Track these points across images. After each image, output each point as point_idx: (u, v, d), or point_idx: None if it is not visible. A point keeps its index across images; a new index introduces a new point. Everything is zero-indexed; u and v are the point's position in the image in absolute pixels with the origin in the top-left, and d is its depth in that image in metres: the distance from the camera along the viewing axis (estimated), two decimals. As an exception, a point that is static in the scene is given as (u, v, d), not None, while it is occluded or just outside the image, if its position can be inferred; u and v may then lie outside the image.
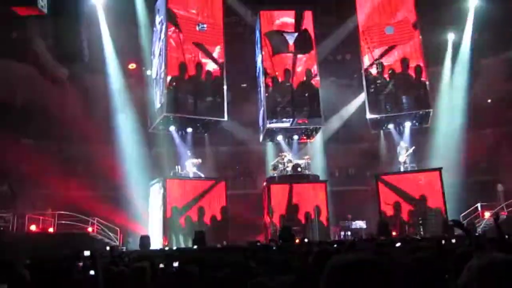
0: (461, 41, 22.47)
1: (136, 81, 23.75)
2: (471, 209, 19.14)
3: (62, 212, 18.24)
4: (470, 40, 22.07)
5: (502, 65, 22.26)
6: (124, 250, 15.59)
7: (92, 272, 4.49)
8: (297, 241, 13.24)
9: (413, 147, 20.32)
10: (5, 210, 17.11)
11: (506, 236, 4.78)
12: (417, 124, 21.06)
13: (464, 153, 23.10)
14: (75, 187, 21.43)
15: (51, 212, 18.39)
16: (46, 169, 22.24)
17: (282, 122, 20.83)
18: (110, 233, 18.74)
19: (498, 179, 21.82)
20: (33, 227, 17.26)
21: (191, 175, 19.77)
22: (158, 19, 20.18)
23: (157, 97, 19.44)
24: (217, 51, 19.63)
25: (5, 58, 20.46)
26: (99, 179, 23.02)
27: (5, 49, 19.60)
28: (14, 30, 19.51)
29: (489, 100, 25.01)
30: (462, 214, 18.80)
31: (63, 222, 18.02)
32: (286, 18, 21.63)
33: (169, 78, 18.56)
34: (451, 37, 22.71)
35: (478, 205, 19.00)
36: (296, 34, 21.39)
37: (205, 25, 19.55)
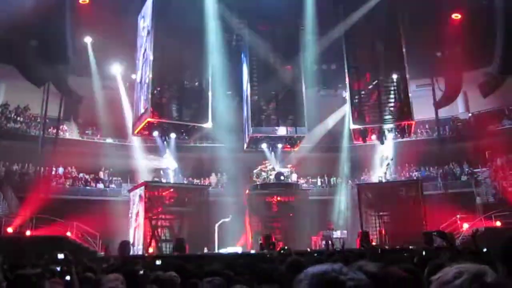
0: (444, 55, 22.89)
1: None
2: (450, 220, 19.38)
3: (41, 215, 17.93)
4: (451, 54, 22.47)
5: (482, 79, 22.70)
6: (102, 255, 15.38)
7: (67, 278, 4.40)
8: (277, 249, 13.23)
9: (392, 159, 20.61)
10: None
11: (484, 249, 4.85)
12: (399, 135, 21.33)
13: (445, 166, 23.53)
14: (55, 191, 21.13)
15: (29, 215, 18.08)
16: (26, 171, 21.99)
17: (266, 130, 20.95)
18: (89, 238, 18.47)
19: (477, 191, 22.21)
20: (9, 230, 16.96)
21: (172, 181, 19.66)
22: (142, 24, 20.09)
23: (142, 101, 19.31)
24: (202, 58, 19.60)
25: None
26: (80, 183, 22.81)
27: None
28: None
29: (469, 114, 25.52)
30: (442, 226, 19.04)
31: (42, 226, 17.71)
32: (273, 27, 21.78)
33: (153, 83, 18.44)
34: (434, 51, 23.07)
35: (457, 217, 19.26)
36: (282, 43, 21.53)
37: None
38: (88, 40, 22.11)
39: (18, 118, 23.52)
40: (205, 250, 16.45)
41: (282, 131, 21.12)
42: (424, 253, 6.78)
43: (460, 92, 23.99)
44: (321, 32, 21.42)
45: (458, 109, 25.73)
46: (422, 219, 18.28)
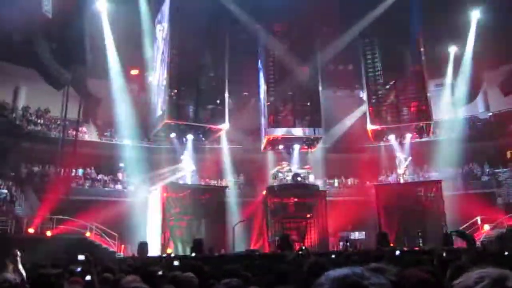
0: (463, 54, 22.54)
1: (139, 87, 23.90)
2: (470, 221, 19.07)
3: (61, 216, 18.20)
4: (471, 53, 22.12)
5: (502, 78, 22.29)
6: (121, 256, 15.55)
7: (88, 278, 4.46)
8: (295, 250, 13.19)
9: (410, 158, 20.39)
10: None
11: (506, 252, 4.76)
12: (417, 135, 21.10)
13: (465, 166, 23.15)
14: (74, 192, 21.43)
15: (49, 216, 18.37)
16: (46, 173, 22.34)
17: (283, 131, 20.94)
18: (108, 239, 18.68)
19: (498, 192, 21.81)
20: (31, 230, 17.25)
21: (189, 182, 19.77)
22: (159, 27, 20.27)
23: (159, 104, 19.47)
24: (218, 60, 19.67)
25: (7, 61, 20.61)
26: (98, 184, 23.08)
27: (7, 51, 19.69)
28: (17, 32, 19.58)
29: (489, 113, 25.08)
30: (462, 227, 18.75)
31: (62, 226, 17.98)
32: (289, 27, 21.76)
33: (170, 85, 18.57)
34: (453, 50, 22.74)
35: (478, 218, 18.93)
36: (298, 44, 21.47)
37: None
38: (107, 42, 22.36)
39: (39, 121, 23.91)
40: (222, 251, 16.49)
41: (299, 132, 21.05)
42: (444, 254, 6.68)
43: (480, 91, 23.58)
44: (337, 32, 21.31)
45: (478, 108, 25.31)
46: (441, 220, 18.03)
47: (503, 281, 1.29)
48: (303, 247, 15.10)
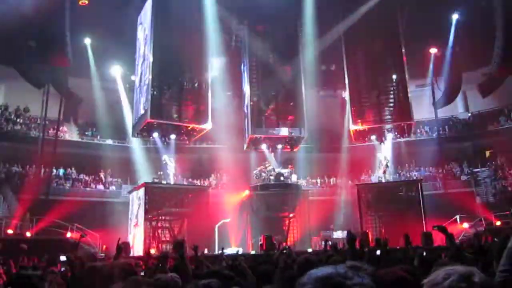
0: (444, 55, 22.89)
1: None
2: (450, 220, 19.39)
3: (41, 217, 17.95)
4: (450, 54, 22.48)
5: (481, 79, 22.71)
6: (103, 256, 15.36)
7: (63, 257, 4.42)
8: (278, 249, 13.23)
9: (390, 158, 20.70)
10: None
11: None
12: (398, 135, 21.37)
13: (444, 165, 23.54)
14: (55, 192, 21.17)
15: (29, 217, 18.11)
16: (25, 173, 21.99)
17: (266, 130, 21.00)
18: (89, 239, 18.48)
19: (476, 191, 22.24)
20: (9, 231, 16.98)
21: (172, 182, 19.68)
22: (142, 25, 20.13)
23: (141, 103, 19.33)
24: (202, 59, 19.61)
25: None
26: (80, 184, 22.83)
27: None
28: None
29: (469, 114, 25.55)
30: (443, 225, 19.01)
31: (42, 227, 17.74)
32: (272, 27, 21.81)
33: (153, 84, 18.43)
34: (433, 51, 23.06)
35: (457, 217, 19.27)
36: (281, 43, 21.54)
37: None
38: (87, 41, 22.16)
39: (18, 120, 23.52)
40: (205, 251, 16.44)
41: (282, 131, 21.13)
42: (424, 253, 6.79)
43: (460, 92, 24.00)
44: (320, 32, 21.43)
45: (457, 109, 25.76)
46: (422, 219, 18.29)
47: (469, 277, 1.36)
48: (286, 247, 15.14)
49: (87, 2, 19.57)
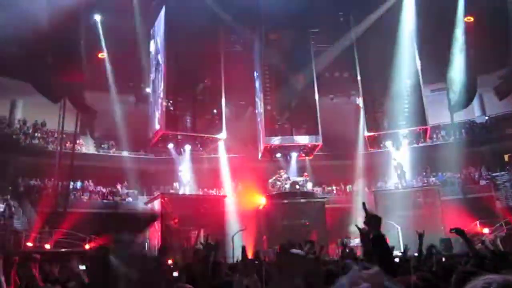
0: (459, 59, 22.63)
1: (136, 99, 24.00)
2: (470, 226, 19.05)
3: (60, 230, 18.15)
4: (465, 58, 22.21)
5: (497, 82, 22.39)
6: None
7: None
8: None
9: (405, 164, 20.48)
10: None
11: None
12: (414, 141, 21.14)
13: (462, 170, 23.17)
14: (73, 205, 21.40)
15: (47, 229, 18.33)
16: (44, 186, 22.29)
17: (280, 139, 20.96)
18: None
19: (496, 196, 21.83)
20: (29, 244, 17.20)
21: (188, 192, 19.76)
22: (155, 38, 20.37)
23: (156, 114, 19.51)
24: (215, 69, 19.74)
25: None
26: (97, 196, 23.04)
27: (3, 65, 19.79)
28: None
29: (486, 117, 25.19)
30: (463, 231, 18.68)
31: (62, 239, 17.93)
32: (284, 36, 21.88)
33: (167, 96, 18.61)
34: (448, 54, 22.79)
35: (477, 222, 18.92)
36: (293, 52, 21.57)
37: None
38: (103, 55, 22.47)
39: (36, 134, 23.92)
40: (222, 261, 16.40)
41: (296, 139, 21.08)
42: (443, 259, 6.67)
43: (476, 95, 23.68)
44: (332, 39, 21.44)
45: (474, 112, 25.42)
46: (440, 225, 18.01)
47: (509, 286, 1.31)
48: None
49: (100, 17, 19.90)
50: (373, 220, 2.96)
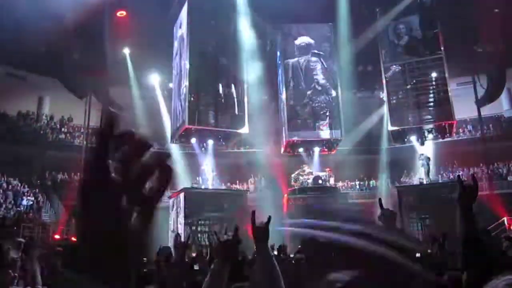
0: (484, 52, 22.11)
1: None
2: (497, 222, 18.66)
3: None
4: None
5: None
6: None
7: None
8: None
9: (429, 159, 20.08)
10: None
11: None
12: (440, 136, 20.76)
13: (490, 165, 22.67)
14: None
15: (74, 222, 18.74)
16: (71, 180, 22.76)
17: (303, 134, 20.88)
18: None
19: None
20: (57, 236, 17.64)
21: (210, 186, 19.86)
22: (179, 33, 20.47)
23: (179, 109, 19.65)
24: (237, 64, 19.77)
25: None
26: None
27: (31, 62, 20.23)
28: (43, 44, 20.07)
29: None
30: (489, 227, 18.33)
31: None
32: (305, 31, 21.77)
33: (190, 90, 18.73)
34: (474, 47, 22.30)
35: (505, 219, 18.51)
36: (316, 46, 21.45)
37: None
38: (126, 51, 22.74)
39: (63, 129, 24.43)
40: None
41: (318, 134, 20.98)
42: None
43: (504, 89, 23.11)
44: (356, 33, 21.20)
45: (502, 106, 24.82)
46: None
47: None
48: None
49: (124, 13, 20.12)
50: (387, 215, 2.92)
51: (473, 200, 2.42)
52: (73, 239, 17.35)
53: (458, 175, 2.97)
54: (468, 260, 2.32)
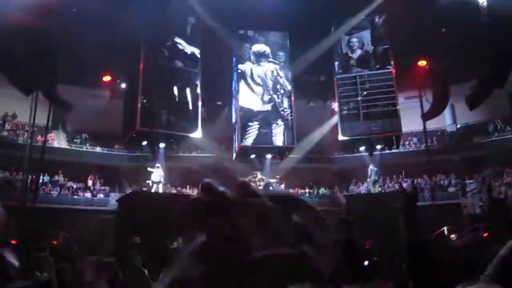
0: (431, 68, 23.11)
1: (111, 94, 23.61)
2: (438, 231, 19.45)
3: (28, 225, 17.71)
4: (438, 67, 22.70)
5: (469, 92, 22.95)
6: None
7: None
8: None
9: (376, 169, 20.79)
10: None
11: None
12: (386, 147, 21.51)
13: (432, 177, 23.68)
14: (42, 200, 20.92)
15: (15, 224, 17.85)
16: (12, 179, 21.73)
17: (256, 140, 21.00)
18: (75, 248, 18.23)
19: (463, 203, 22.39)
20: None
21: (161, 191, 19.59)
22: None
23: (131, 111, 19.26)
24: (191, 68, 19.66)
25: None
26: (67, 192, 22.60)
27: None
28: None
29: (457, 126, 25.82)
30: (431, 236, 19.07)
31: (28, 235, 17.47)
32: (262, 38, 21.99)
33: (143, 92, 18.42)
34: (422, 63, 23.27)
35: (445, 228, 19.33)
36: (272, 53, 21.69)
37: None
38: (78, 48, 22.02)
39: (6, 126, 23.32)
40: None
41: (271, 141, 21.16)
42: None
43: (448, 105, 24.24)
44: (310, 43, 21.59)
45: (445, 121, 26.01)
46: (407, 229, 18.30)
47: None
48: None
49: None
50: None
51: (414, 208, 2.51)
52: (13, 242, 16.53)
53: (401, 184, 3.08)
54: (414, 267, 2.33)
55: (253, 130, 21.28)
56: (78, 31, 20.16)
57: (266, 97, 21.51)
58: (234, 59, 22.36)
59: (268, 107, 21.55)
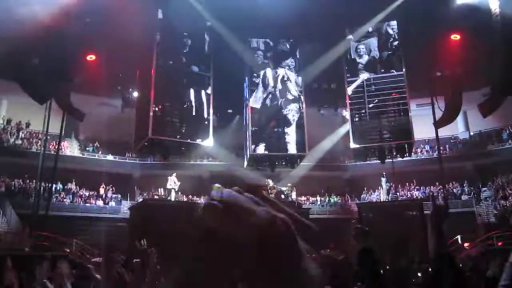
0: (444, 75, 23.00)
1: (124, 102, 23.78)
2: (451, 240, 19.27)
3: (40, 232, 17.85)
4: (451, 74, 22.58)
5: (481, 99, 22.78)
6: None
7: None
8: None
9: (386, 179, 20.66)
10: None
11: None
12: (399, 155, 21.36)
13: (445, 185, 23.47)
14: (55, 207, 21.09)
15: (28, 232, 18.00)
16: (26, 187, 21.93)
17: (267, 148, 20.99)
18: (88, 256, 18.34)
19: (477, 211, 22.15)
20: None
21: (173, 198, 19.64)
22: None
23: (143, 119, 19.36)
24: (203, 77, 19.76)
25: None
26: (80, 200, 22.74)
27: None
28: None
29: (470, 133, 25.60)
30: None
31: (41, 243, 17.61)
32: (274, 46, 22.05)
33: (155, 101, 18.54)
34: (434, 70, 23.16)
35: (458, 237, 19.14)
36: (283, 61, 21.73)
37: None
38: (91, 57, 22.27)
39: (20, 134, 23.59)
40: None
41: (282, 149, 21.13)
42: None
43: (460, 112, 24.06)
44: (321, 50, 21.60)
45: (458, 128, 25.82)
46: (423, 238, 18.15)
47: None
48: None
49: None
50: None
51: (444, 219, 2.51)
52: (26, 249, 16.66)
53: (432, 195, 3.04)
54: (441, 276, 2.35)
55: (265, 138, 21.28)
56: (91, 40, 20.37)
57: (278, 105, 21.51)
58: (245, 67, 22.42)
59: (279, 115, 21.54)
